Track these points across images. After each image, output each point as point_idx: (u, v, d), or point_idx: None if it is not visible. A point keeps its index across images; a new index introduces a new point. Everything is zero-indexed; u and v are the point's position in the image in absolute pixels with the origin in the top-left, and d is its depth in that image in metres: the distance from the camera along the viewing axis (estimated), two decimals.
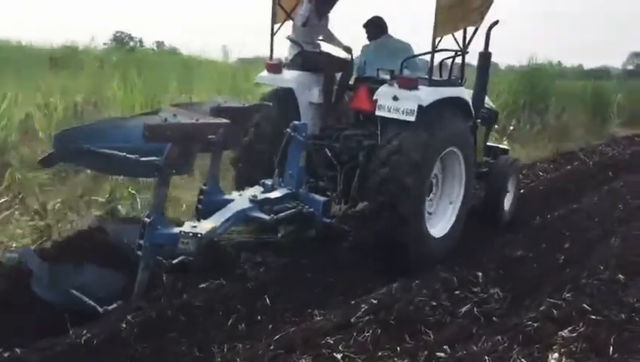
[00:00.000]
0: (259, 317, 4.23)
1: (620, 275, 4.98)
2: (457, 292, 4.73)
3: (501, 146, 8.09)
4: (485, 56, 6.83)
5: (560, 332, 3.94)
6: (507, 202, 7.29)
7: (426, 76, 5.47)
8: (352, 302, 4.43)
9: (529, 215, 7.31)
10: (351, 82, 6.25)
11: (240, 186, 5.58)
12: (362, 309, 4.21)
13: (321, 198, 5.37)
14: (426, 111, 5.16)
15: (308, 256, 5.31)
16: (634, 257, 5.51)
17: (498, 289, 4.84)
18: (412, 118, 5.11)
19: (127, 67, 10.33)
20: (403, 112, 5.15)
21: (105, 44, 21.54)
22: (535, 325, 4.01)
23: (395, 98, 5.20)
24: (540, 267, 5.49)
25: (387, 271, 5.10)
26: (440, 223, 5.80)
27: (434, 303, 4.44)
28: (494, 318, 4.39)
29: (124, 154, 3.71)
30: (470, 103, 5.85)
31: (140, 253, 3.96)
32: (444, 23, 5.19)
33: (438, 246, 5.56)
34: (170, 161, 3.84)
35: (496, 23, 6.65)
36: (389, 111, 5.23)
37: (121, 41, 26.45)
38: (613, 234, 6.31)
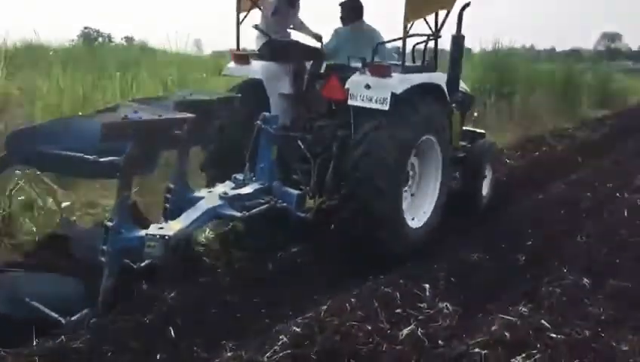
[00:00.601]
0: (158, 356, 3.52)
1: (585, 279, 4.64)
2: (399, 310, 4.14)
3: (478, 130, 7.97)
4: (458, 40, 6.68)
5: (512, 360, 3.48)
6: (485, 187, 7.21)
7: (399, 63, 5.32)
8: (275, 329, 3.78)
9: (489, 209, 6.95)
10: (322, 71, 6.06)
11: (212, 183, 5.38)
12: (280, 342, 3.53)
13: (295, 192, 5.18)
14: (400, 99, 5.00)
15: (233, 273, 4.70)
16: (601, 256, 5.23)
17: (447, 303, 4.27)
18: (386, 107, 4.95)
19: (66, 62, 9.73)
20: (376, 101, 4.99)
21: (72, 40, 20.90)
22: (484, 352, 3.52)
23: (368, 86, 5.04)
24: (497, 271, 5.01)
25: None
26: (418, 213, 5.66)
27: (369, 327, 3.79)
28: (440, 341, 3.80)
29: (81, 155, 3.47)
30: (445, 89, 5.70)
31: (103, 259, 3.73)
32: (415, 6, 5.02)
33: (417, 237, 5.44)
34: (131, 161, 3.61)
35: (467, 5, 6.50)
36: (362, 100, 5.06)
37: (88, 37, 25.74)
38: (579, 229, 6.02)
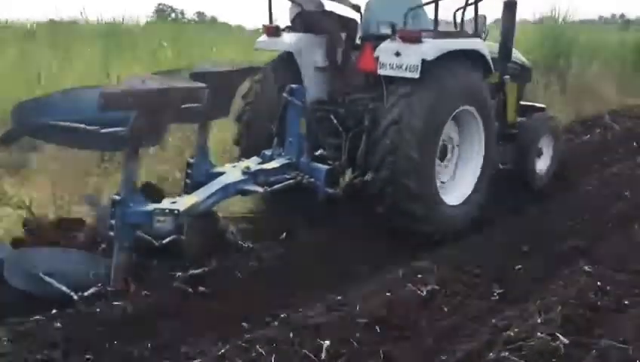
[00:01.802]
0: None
1: (560, 337, 3.35)
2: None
3: (537, 105, 7.46)
4: (510, 6, 6.26)
5: None
6: (542, 164, 6.75)
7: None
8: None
9: (495, 212, 5.67)
10: (358, 42, 5.79)
11: (244, 157, 5.26)
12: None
13: (324, 167, 4.97)
14: (433, 66, 4.70)
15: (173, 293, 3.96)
16: (596, 297, 3.94)
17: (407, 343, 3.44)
18: (416, 75, 4.67)
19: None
20: (406, 69, 4.71)
21: (147, 16, 21.55)
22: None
23: (397, 54, 4.77)
24: (468, 307, 3.94)
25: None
26: (458, 190, 5.35)
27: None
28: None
29: (84, 126, 3.41)
30: (487, 56, 5.30)
31: (112, 233, 3.68)
32: None
33: (456, 216, 5.12)
34: (136, 132, 3.51)
35: None
36: (392, 68, 4.80)
37: (162, 13, 26.52)
38: (588, 251, 4.79)
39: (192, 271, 3.97)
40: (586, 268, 4.39)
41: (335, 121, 5.33)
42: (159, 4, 27.30)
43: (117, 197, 3.64)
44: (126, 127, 3.49)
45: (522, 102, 7.16)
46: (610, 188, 6.68)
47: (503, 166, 6.89)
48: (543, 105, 7.55)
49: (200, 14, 24.96)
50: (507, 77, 6.45)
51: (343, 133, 5.25)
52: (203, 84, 3.81)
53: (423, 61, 4.65)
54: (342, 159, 5.15)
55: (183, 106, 3.81)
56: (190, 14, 26.89)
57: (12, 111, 3.43)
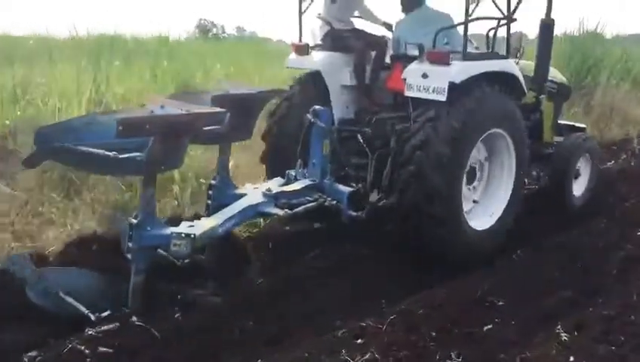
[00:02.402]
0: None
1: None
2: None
3: (577, 124, 7.25)
4: (547, 25, 6.11)
5: None
6: (578, 185, 6.53)
7: (469, 50, 4.90)
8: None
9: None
10: (388, 61, 5.72)
11: (270, 178, 5.27)
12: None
13: (347, 189, 4.91)
14: (461, 88, 4.59)
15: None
16: None
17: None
18: (443, 98, 4.57)
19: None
20: (433, 91, 4.62)
21: (188, 32, 22.01)
22: None
23: (425, 75, 4.68)
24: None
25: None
26: (486, 214, 5.21)
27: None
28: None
29: (103, 151, 3.44)
30: (520, 78, 5.16)
31: (129, 256, 3.70)
32: None
33: (481, 240, 4.99)
34: (154, 157, 3.54)
35: None
36: (419, 90, 4.71)
37: (204, 28, 27.02)
38: (571, 312, 4.06)
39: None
40: (564, 335, 3.63)
41: (361, 141, 5.27)
42: (200, 20, 27.77)
43: (134, 220, 3.67)
44: (145, 152, 3.53)
45: (561, 122, 6.98)
46: (621, 227, 5.74)
47: (538, 186, 6.75)
48: (583, 125, 7.33)
49: (239, 29, 25.24)
50: (543, 96, 6.29)
51: (368, 153, 5.18)
52: (222, 109, 3.81)
53: (451, 83, 4.56)
54: (367, 180, 5.08)
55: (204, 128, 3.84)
56: (230, 29, 27.20)
57: (35, 134, 3.49)
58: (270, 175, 5.43)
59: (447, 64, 4.62)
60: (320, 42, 5.72)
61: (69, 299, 3.71)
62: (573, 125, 7.16)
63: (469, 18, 4.65)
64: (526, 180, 5.90)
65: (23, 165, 3.69)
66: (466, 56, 4.73)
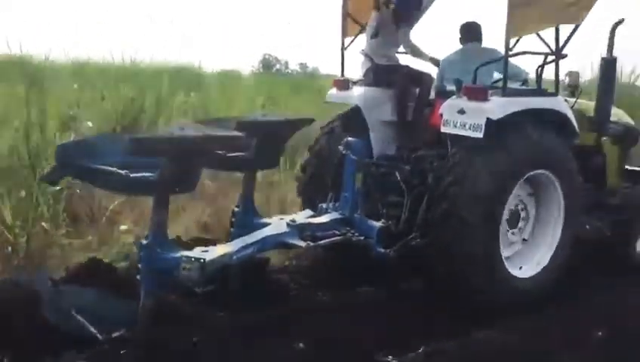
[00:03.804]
0: None
1: None
2: None
3: None
4: (609, 62, 5.78)
5: None
6: None
7: (522, 86, 4.69)
8: None
9: None
10: (432, 97, 5.57)
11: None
12: None
13: (377, 224, 4.71)
14: (500, 126, 4.36)
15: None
16: None
17: None
18: (479, 135, 4.36)
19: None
20: (469, 127, 4.41)
21: (252, 66, 22.54)
22: None
23: (462, 111, 4.49)
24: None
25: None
26: (530, 261, 4.86)
27: None
28: None
29: (115, 169, 3.46)
30: (569, 115, 4.85)
31: (139, 277, 3.66)
32: (521, 19, 4.36)
33: (523, 290, 4.64)
34: (165, 178, 3.50)
35: (621, 21, 5.64)
36: (455, 126, 4.52)
37: (268, 63, 27.59)
38: None
39: None
40: None
41: (398, 178, 5.09)
42: (265, 55, 28.26)
43: (144, 242, 3.64)
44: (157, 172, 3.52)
45: (629, 168, 6.50)
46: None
47: (597, 236, 6.26)
48: None
49: (302, 65, 25.63)
50: (605, 138, 5.90)
51: (405, 190, 4.99)
52: (239, 133, 3.76)
53: (488, 120, 4.34)
54: (401, 218, 4.87)
55: (228, 155, 3.81)
56: (293, 65, 27.59)
57: (56, 151, 3.56)
58: (306, 208, 5.33)
59: (485, 100, 4.41)
60: (362, 77, 5.65)
61: (80, 318, 3.69)
62: None
63: (510, 53, 4.44)
64: (587, 226, 5.50)
65: (42, 180, 3.75)
66: (508, 92, 4.51)
